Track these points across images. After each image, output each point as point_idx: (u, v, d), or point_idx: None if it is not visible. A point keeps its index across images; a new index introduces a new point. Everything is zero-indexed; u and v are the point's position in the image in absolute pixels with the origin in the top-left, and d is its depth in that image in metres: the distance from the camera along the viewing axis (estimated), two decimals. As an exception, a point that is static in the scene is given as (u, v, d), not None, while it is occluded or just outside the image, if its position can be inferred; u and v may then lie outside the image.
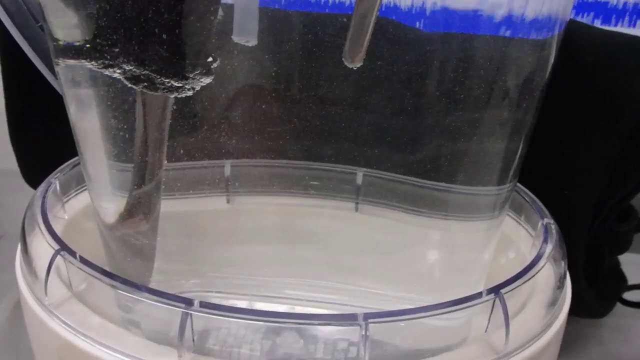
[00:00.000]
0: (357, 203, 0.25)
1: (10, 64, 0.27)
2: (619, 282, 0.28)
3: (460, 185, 0.20)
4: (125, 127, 0.19)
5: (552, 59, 0.19)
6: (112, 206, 0.21)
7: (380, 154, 0.22)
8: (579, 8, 0.27)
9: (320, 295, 0.24)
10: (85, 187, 0.24)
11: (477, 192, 0.21)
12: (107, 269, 0.21)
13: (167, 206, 0.21)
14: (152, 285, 0.22)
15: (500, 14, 0.17)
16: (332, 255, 0.24)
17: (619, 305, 0.29)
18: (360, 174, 0.24)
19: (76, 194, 0.24)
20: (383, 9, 0.18)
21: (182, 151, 0.21)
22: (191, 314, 0.16)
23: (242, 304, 0.24)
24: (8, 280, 0.30)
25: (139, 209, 0.21)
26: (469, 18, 0.17)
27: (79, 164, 0.24)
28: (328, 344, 0.18)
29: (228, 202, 0.25)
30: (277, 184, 0.24)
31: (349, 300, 0.24)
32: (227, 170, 0.24)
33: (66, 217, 0.23)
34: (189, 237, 0.24)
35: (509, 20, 0.17)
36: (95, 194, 0.21)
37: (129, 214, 0.21)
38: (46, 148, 0.29)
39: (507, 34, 0.18)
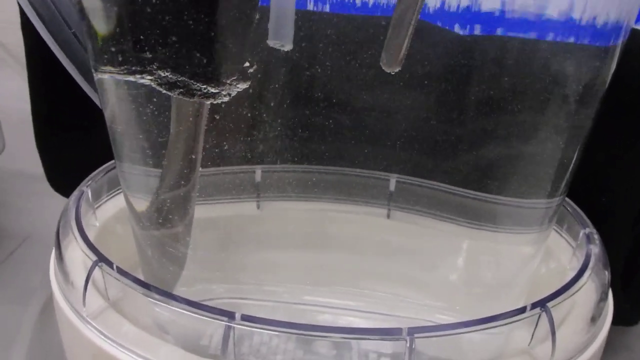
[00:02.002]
0: (389, 209, 0.24)
1: (36, 71, 0.27)
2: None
3: (505, 196, 0.20)
4: (163, 131, 0.19)
5: (613, 67, 0.18)
6: (147, 210, 0.20)
7: (418, 161, 0.22)
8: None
9: (351, 302, 0.24)
10: (114, 193, 0.24)
11: (526, 204, 0.20)
12: (141, 271, 0.21)
13: (198, 211, 0.21)
14: (181, 290, 0.22)
15: (566, 18, 0.17)
16: (363, 261, 0.24)
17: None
18: (393, 180, 0.23)
19: (106, 200, 0.24)
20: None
21: (213, 157, 0.21)
22: (234, 327, 0.16)
23: (271, 310, 0.24)
24: (35, 282, 0.30)
25: (173, 213, 0.21)
26: (534, 23, 0.17)
27: (110, 170, 0.23)
28: (361, 354, 0.18)
29: (258, 207, 0.25)
30: (308, 190, 0.23)
31: (382, 309, 0.24)
32: (258, 176, 0.24)
33: (97, 224, 0.23)
34: (219, 243, 0.24)
35: (574, 25, 0.17)
36: (131, 198, 0.21)
37: (163, 217, 0.20)
38: (72, 153, 0.29)
39: (570, 39, 0.17)
